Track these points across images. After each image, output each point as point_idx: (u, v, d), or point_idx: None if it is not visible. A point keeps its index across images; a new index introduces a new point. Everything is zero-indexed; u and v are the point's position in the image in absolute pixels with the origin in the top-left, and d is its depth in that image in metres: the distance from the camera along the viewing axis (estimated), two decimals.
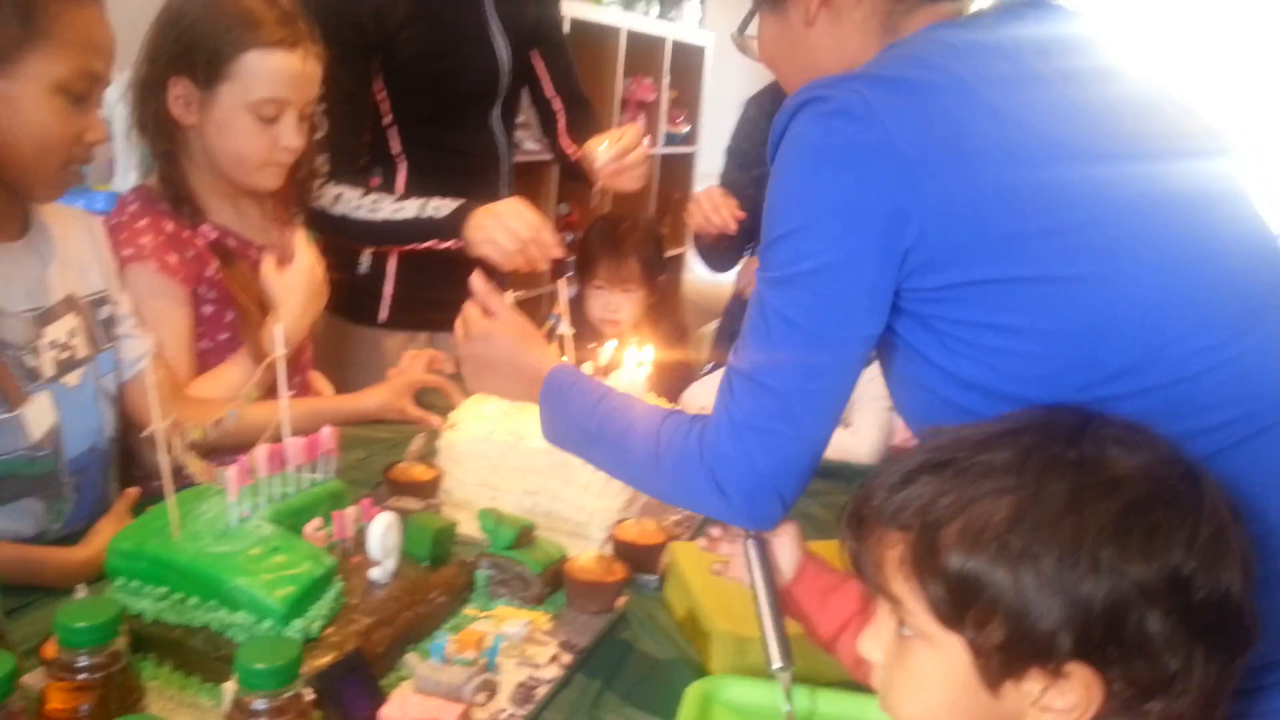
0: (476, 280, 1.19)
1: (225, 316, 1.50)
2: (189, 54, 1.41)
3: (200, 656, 0.93)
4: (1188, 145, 0.92)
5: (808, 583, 0.99)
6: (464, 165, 1.94)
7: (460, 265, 1.83)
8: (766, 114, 2.09)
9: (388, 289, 1.95)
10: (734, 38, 1.16)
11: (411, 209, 1.76)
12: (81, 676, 0.75)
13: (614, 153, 1.82)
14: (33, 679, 0.82)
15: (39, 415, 1.21)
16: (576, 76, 2.15)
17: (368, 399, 1.65)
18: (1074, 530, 0.66)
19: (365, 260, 1.94)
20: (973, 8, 1.00)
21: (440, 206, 1.75)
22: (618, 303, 2.14)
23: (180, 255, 1.45)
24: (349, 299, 1.93)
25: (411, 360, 1.74)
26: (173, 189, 1.46)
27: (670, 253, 4.43)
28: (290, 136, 1.47)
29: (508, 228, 1.69)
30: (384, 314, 1.97)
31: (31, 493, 1.22)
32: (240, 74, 1.42)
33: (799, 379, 0.90)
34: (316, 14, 1.68)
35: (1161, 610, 0.66)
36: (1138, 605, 0.66)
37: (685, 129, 4.69)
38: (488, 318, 1.17)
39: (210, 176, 1.50)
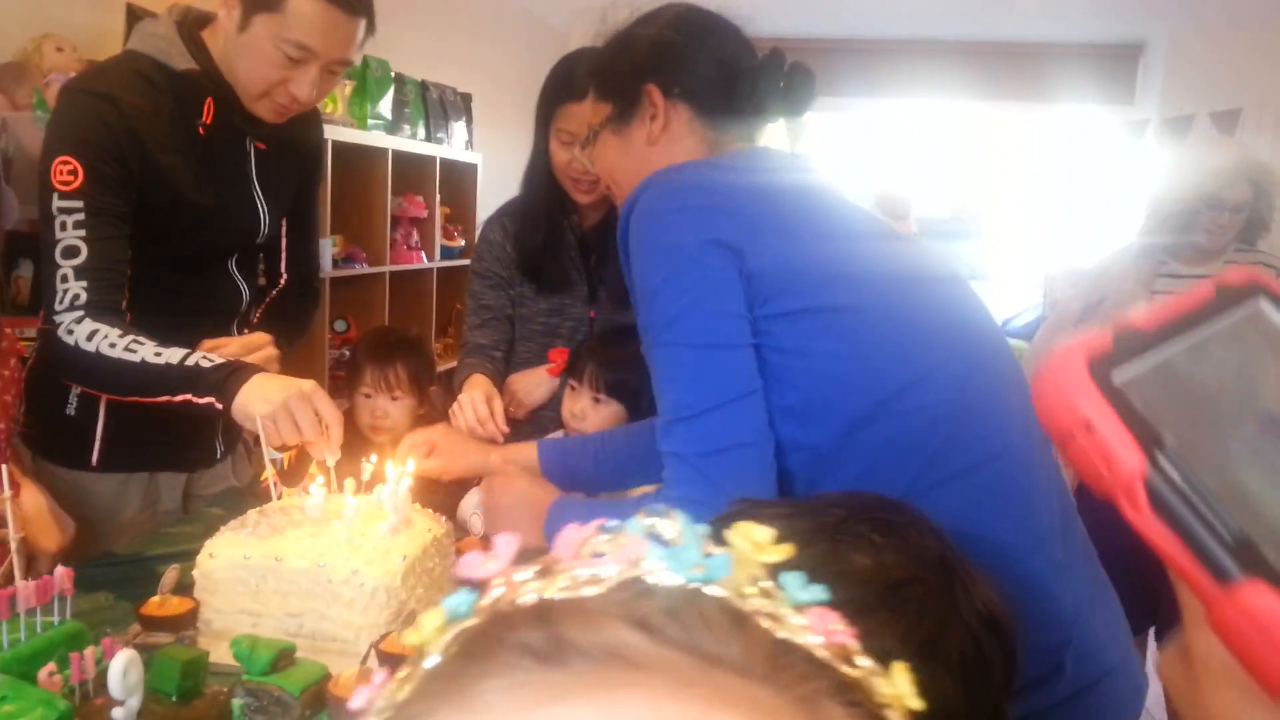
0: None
1: None
2: None
3: None
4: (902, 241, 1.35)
5: None
6: (196, 308, 1.84)
7: (180, 410, 1.64)
8: (511, 235, 2.16)
9: (99, 430, 1.80)
10: (576, 149, 1.46)
11: (175, 355, 1.58)
12: None
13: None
14: None
15: None
16: (314, 252, 2.14)
17: None
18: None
19: (73, 400, 1.80)
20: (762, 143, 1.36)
21: (206, 359, 1.59)
22: (385, 408, 2.16)
23: None
24: (57, 443, 1.81)
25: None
26: None
27: (451, 364, 4.47)
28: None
29: (297, 423, 1.52)
30: (96, 457, 1.82)
31: None
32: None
33: (723, 393, 1.10)
34: (76, 142, 1.62)
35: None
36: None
37: (460, 243, 4.78)
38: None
39: None
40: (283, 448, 1.51)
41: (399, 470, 1.52)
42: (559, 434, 2.13)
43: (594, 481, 1.66)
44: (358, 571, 1.33)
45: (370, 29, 1.71)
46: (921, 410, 1.11)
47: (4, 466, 1.18)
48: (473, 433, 1.89)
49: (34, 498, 1.54)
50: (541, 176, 2.11)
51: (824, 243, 1.18)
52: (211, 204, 1.79)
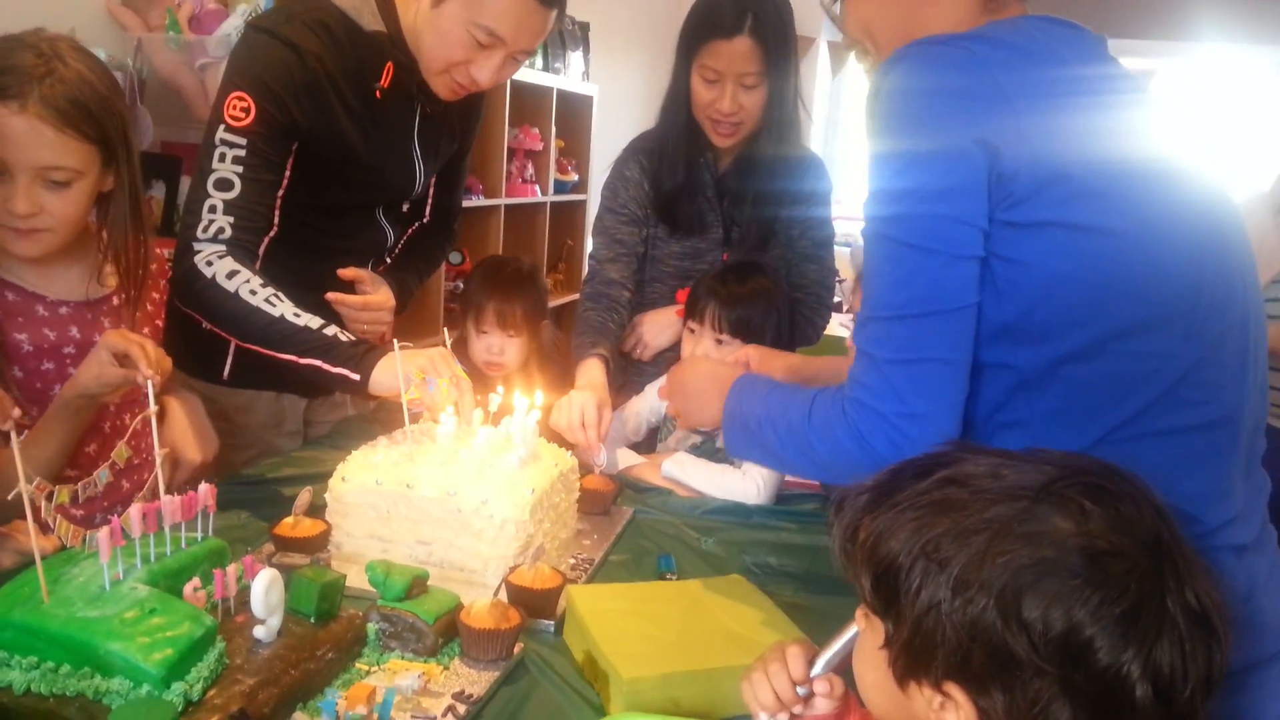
0: None
1: None
2: None
3: None
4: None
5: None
6: (342, 248, 1.86)
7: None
8: (648, 173, 2.09)
9: (231, 347, 1.83)
10: (823, 3, 1.29)
11: (314, 321, 1.59)
12: None
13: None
14: None
15: None
16: (457, 202, 2.16)
17: (75, 379, 1.37)
18: (985, 558, 0.69)
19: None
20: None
21: (343, 333, 1.61)
22: (501, 345, 2.15)
23: None
24: (191, 356, 1.81)
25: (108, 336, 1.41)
26: None
27: (563, 299, 4.45)
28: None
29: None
30: (227, 372, 1.88)
31: None
32: None
33: (931, 303, 1.01)
34: (256, 81, 1.63)
35: (1046, 665, 0.68)
36: (1021, 651, 0.68)
37: (574, 177, 4.74)
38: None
39: None
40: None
41: (527, 404, 1.50)
42: None
43: (752, 421, 1.52)
44: (487, 503, 1.32)
45: (560, 21, 1.70)
46: (1150, 357, 1.00)
47: (149, 382, 1.19)
48: (568, 433, 1.78)
49: (180, 412, 1.57)
50: (680, 115, 2.03)
51: (1095, 152, 1.02)
52: (374, 163, 1.80)
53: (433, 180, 2.03)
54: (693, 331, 2.02)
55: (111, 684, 0.89)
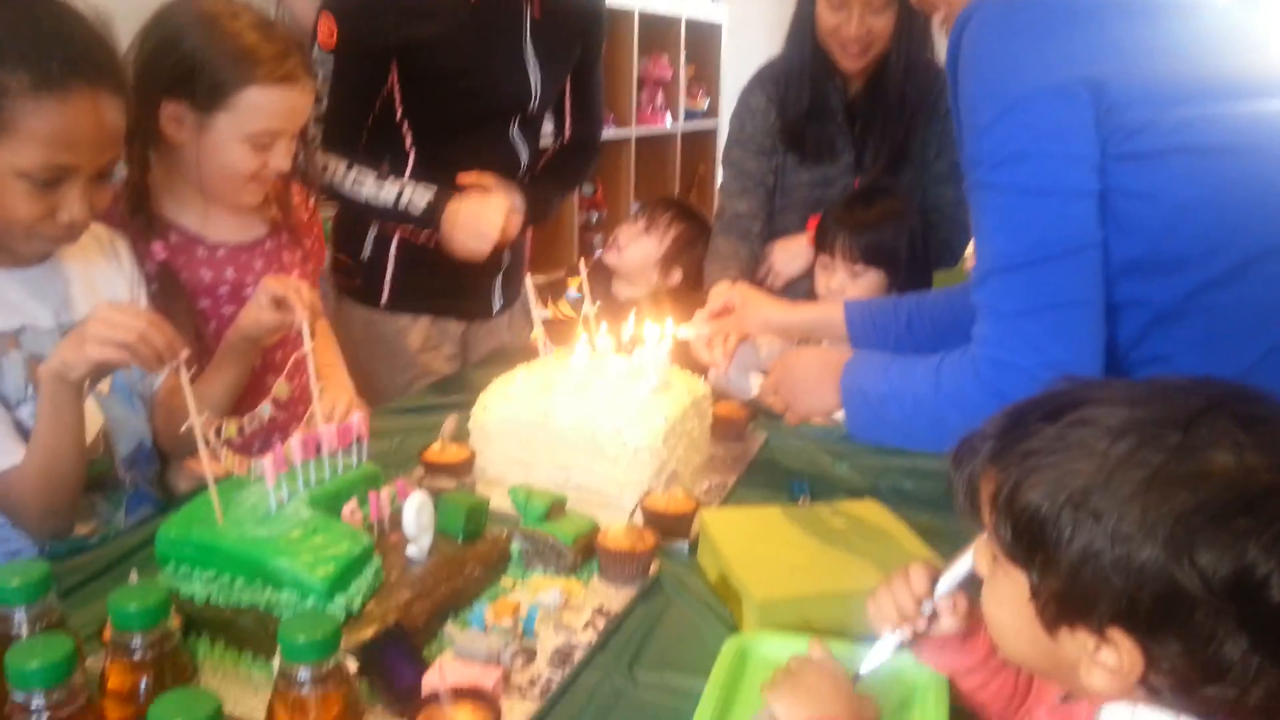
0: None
1: None
2: (189, 81, 1.40)
3: (249, 634, 0.97)
4: None
5: (947, 645, 0.95)
6: (477, 167, 1.95)
7: (458, 260, 1.91)
8: (774, 101, 2.06)
9: (389, 274, 1.99)
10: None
11: (389, 195, 1.84)
12: (136, 656, 0.79)
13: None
14: (95, 661, 0.87)
15: (89, 421, 1.26)
16: (596, 115, 2.23)
17: (237, 324, 1.44)
18: (1145, 507, 0.66)
19: (368, 246, 1.99)
20: None
21: (418, 196, 1.83)
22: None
23: None
24: (353, 282, 2.02)
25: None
26: (135, 199, 1.46)
27: None
28: (280, 160, 1.49)
29: (482, 228, 1.83)
30: (385, 298, 2.01)
31: (90, 490, 1.28)
32: (240, 107, 1.42)
33: (1054, 245, 0.97)
34: (338, 7, 1.72)
35: (1220, 604, 0.65)
36: (1194, 592, 0.65)
37: (704, 104, 4.69)
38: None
39: (185, 186, 1.50)
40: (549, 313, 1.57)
41: (659, 333, 1.52)
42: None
43: (902, 347, 1.47)
44: (621, 430, 1.36)
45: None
46: None
47: (304, 322, 1.26)
48: (696, 349, 1.72)
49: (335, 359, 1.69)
50: (806, 39, 1.98)
51: (1205, 71, 0.98)
52: (478, 71, 1.85)
53: (566, 95, 2.09)
54: (825, 267, 1.98)
55: (281, 596, 0.97)
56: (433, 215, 1.85)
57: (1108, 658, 0.69)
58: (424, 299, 2.04)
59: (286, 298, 1.30)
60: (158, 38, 1.43)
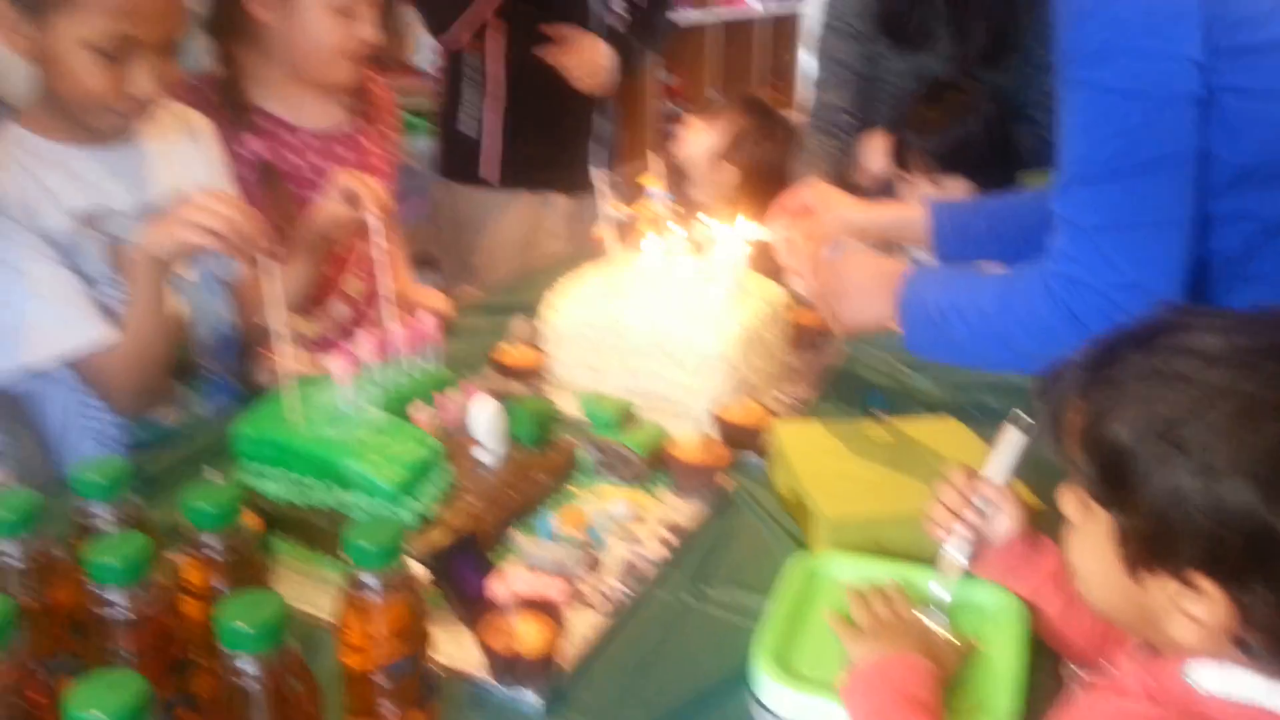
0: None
1: None
2: None
3: (323, 534, 0.98)
4: None
5: (1009, 550, 0.94)
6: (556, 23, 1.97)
7: (564, 126, 1.93)
8: None
9: (486, 147, 2.02)
10: None
11: None
12: (210, 554, 0.80)
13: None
14: (176, 556, 0.89)
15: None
16: None
17: (310, 219, 1.43)
18: (1240, 442, 0.62)
19: (462, 120, 2.01)
20: None
21: None
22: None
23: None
24: (454, 160, 2.06)
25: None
26: (224, 90, 1.46)
27: None
28: (367, 30, 1.48)
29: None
30: (486, 172, 2.03)
31: (172, 376, 1.30)
32: None
33: (1142, 155, 0.91)
34: None
35: None
36: None
37: None
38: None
39: (277, 71, 1.49)
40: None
41: (731, 233, 1.47)
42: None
43: (987, 250, 1.39)
44: (693, 337, 1.32)
45: None
46: None
47: (373, 217, 1.24)
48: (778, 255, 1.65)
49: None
50: None
51: None
52: None
53: None
54: (905, 180, 1.88)
55: (351, 498, 0.98)
56: None
57: (1194, 607, 0.65)
58: (528, 173, 2.06)
59: (358, 192, 1.28)
60: None
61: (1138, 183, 0.91)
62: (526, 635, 0.84)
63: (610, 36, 2.11)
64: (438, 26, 2.00)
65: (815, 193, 1.55)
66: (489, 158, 2.04)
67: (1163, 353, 0.68)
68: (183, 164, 1.34)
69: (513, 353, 1.41)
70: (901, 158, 1.85)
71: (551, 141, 2.05)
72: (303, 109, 1.53)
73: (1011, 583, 0.92)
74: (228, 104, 1.46)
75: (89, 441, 1.27)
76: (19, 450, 1.21)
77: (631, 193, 2.09)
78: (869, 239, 1.61)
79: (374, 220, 1.24)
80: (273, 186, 1.48)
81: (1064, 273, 0.97)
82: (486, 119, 2.03)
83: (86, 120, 1.21)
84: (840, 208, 1.52)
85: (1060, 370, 0.74)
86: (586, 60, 2.02)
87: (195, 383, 1.34)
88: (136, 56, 1.15)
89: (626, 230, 1.55)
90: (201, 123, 1.40)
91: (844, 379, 1.53)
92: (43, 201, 1.19)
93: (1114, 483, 0.68)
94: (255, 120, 1.49)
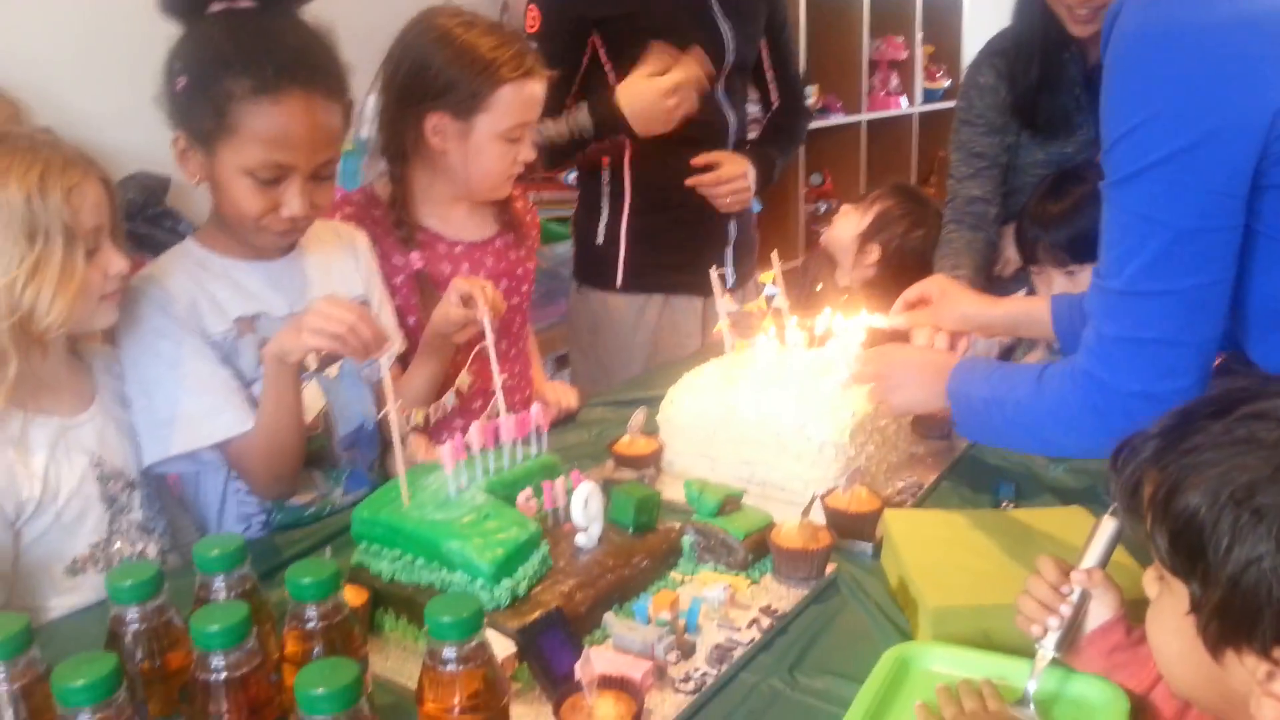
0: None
1: (406, 323, 1.60)
2: (446, 93, 1.53)
3: (424, 610, 1.02)
4: None
5: (1106, 639, 0.90)
6: (691, 134, 2.01)
7: (687, 234, 1.98)
8: (1003, 76, 1.92)
9: (622, 256, 2.07)
10: None
11: (560, 127, 1.93)
12: (309, 625, 0.86)
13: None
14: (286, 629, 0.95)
15: (310, 402, 1.39)
16: (795, 75, 2.30)
17: (431, 320, 1.51)
18: None
19: (601, 232, 2.09)
20: None
21: (583, 125, 1.93)
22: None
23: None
24: (590, 267, 2.14)
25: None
26: (398, 211, 1.60)
27: None
28: (528, 152, 1.61)
29: (669, 89, 1.88)
30: (620, 280, 2.09)
31: (310, 466, 1.41)
32: (495, 107, 1.54)
33: (1172, 277, 0.92)
34: None
35: None
36: None
37: (945, 84, 4.48)
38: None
39: (445, 191, 1.62)
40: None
41: (852, 325, 1.47)
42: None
43: (979, 403, 1.29)
44: (805, 426, 1.32)
45: None
46: None
47: (485, 318, 1.32)
48: None
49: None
50: (1034, 6, 1.84)
51: None
52: (672, 30, 1.95)
53: (765, 62, 2.19)
54: (1038, 274, 1.83)
55: (454, 577, 1.02)
56: (603, 113, 1.92)
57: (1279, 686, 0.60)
58: (656, 276, 2.11)
59: (472, 294, 1.37)
60: (408, 61, 1.56)
61: (1156, 303, 0.93)
62: (604, 713, 0.85)
63: (751, 151, 2.15)
64: (549, 164, 2.05)
65: (937, 285, 1.53)
66: (620, 265, 2.10)
67: (1239, 419, 0.65)
68: (341, 277, 1.48)
69: (630, 443, 1.45)
70: (1030, 251, 1.80)
71: (685, 249, 2.09)
72: (456, 222, 1.66)
73: (1120, 677, 0.86)
74: (395, 221, 1.60)
75: (236, 522, 1.38)
76: (171, 527, 1.33)
77: (751, 291, 2.12)
78: (992, 333, 1.58)
79: (485, 319, 1.31)
80: (425, 293, 1.59)
81: (1090, 371, 0.98)
82: (619, 228, 2.09)
83: (246, 238, 1.35)
84: (960, 302, 1.50)
85: (1135, 440, 0.71)
86: (731, 185, 2.06)
87: (334, 472, 1.44)
88: (289, 182, 1.28)
89: (745, 326, 1.58)
90: (360, 238, 1.54)
91: (973, 468, 1.48)
92: (208, 308, 1.33)
93: (1190, 553, 0.64)
94: (417, 237, 1.62)
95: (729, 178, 2.06)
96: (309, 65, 1.27)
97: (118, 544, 1.23)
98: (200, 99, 1.24)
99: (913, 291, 1.53)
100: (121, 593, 0.83)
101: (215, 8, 1.26)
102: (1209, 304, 0.93)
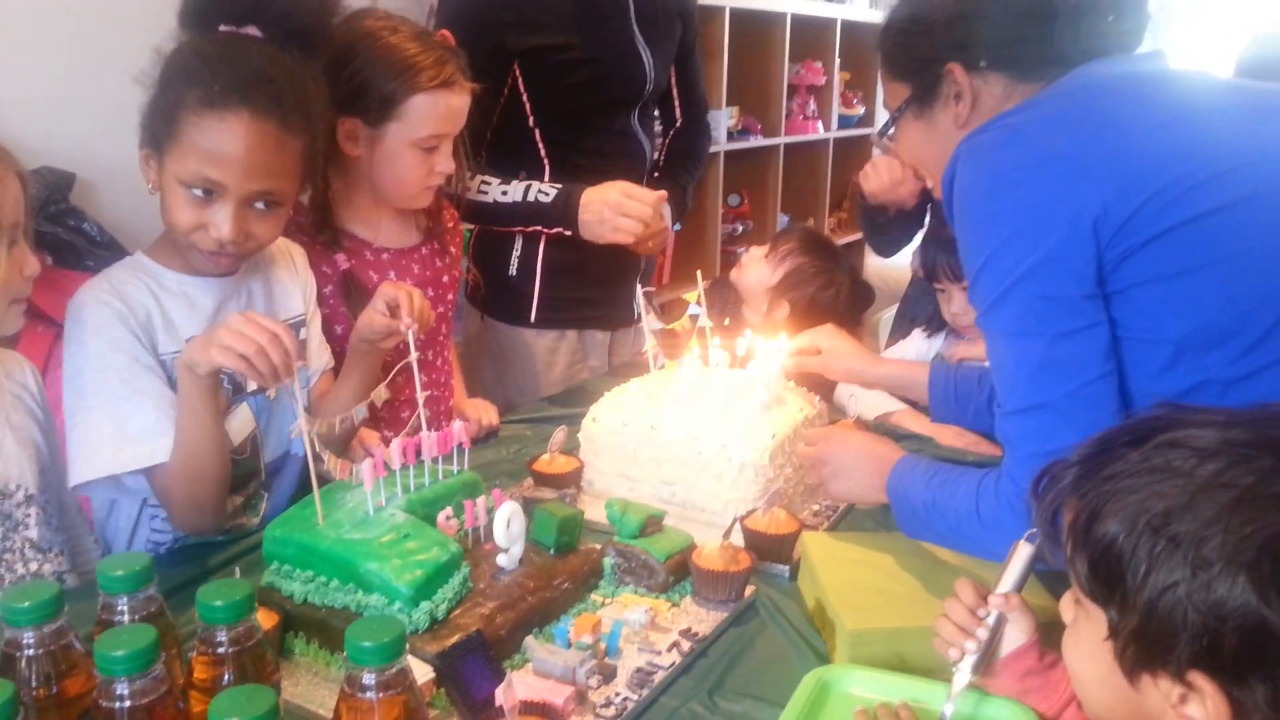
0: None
1: (335, 330, 1.56)
2: (360, 97, 1.49)
3: (338, 634, 0.99)
4: None
5: (1020, 662, 0.92)
6: (607, 165, 1.96)
7: (602, 269, 1.94)
8: None
9: (536, 290, 2.01)
10: (874, 140, 1.32)
11: (516, 193, 1.87)
12: (220, 650, 0.83)
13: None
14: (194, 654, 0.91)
15: (240, 424, 1.34)
16: (702, 96, 2.27)
17: (355, 327, 1.45)
18: (1229, 531, 0.61)
19: (514, 264, 2.01)
20: None
21: (546, 191, 1.86)
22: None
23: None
24: (501, 301, 2.05)
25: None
26: (320, 215, 1.55)
27: (846, 239, 4.34)
28: (446, 163, 1.57)
29: (626, 213, 1.80)
30: (533, 315, 2.03)
31: (235, 492, 1.35)
32: (407, 114, 1.50)
33: (1059, 383, 0.99)
34: (454, 19, 1.77)
35: None
36: None
37: (860, 110, 4.58)
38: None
39: (360, 197, 1.59)
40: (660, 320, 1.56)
41: (774, 348, 1.48)
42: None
43: (983, 420, 1.46)
44: (727, 446, 1.33)
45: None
46: None
47: (408, 329, 1.29)
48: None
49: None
50: None
51: (1187, 136, 0.99)
52: (595, 60, 1.91)
53: (671, 82, 2.15)
54: (942, 293, 1.91)
55: (370, 599, 1.00)
56: (567, 203, 1.84)
57: (1193, 709, 0.62)
58: (569, 312, 2.06)
59: (399, 302, 1.34)
60: (326, 59, 1.47)
61: (1050, 414, 0.99)
62: None
63: (664, 183, 2.08)
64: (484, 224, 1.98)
65: (827, 336, 1.58)
66: (535, 299, 2.02)
67: (1156, 448, 0.67)
68: (283, 294, 1.44)
69: (551, 461, 1.43)
70: (930, 269, 1.88)
71: (600, 284, 2.03)
72: (381, 228, 1.63)
73: (1033, 701, 0.89)
74: (320, 227, 1.56)
75: (145, 546, 1.32)
76: (71, 548, 1.26)
77: (676, 310, 2.12)
78: (877, 389, 1.64)
79: (408, 329, 1.29)
80: (352, 298, 1.56)
81: (1018, 491, 1.02)
82: (535, 261, 2.00)
83: (183, 253, 1.30)
84: (847, 357, 1.56)
85: (1055, 469, 0.74)
86: (652, 231, 1.89)
87: (254, 502, 1.39)
88: (221, 203, 1.23)
89: (669, 346, 1.58)
90: (298, 251, 1.50)
91: None
92: (162, 325, 1.28)
93: (1107, 579, 0.66)
94: (343, 241, 1.58)
95: (649, 235, 1.90)
96: (267, 92, 1.22)
97: (7, 563, 1.17)
98: (159, 105, 1.23)
99: (804, 338, 1.56)
100: (18, 614, 0.79)
101: (223, 30, 1.25)
102: (1099, 400, 0.99)
